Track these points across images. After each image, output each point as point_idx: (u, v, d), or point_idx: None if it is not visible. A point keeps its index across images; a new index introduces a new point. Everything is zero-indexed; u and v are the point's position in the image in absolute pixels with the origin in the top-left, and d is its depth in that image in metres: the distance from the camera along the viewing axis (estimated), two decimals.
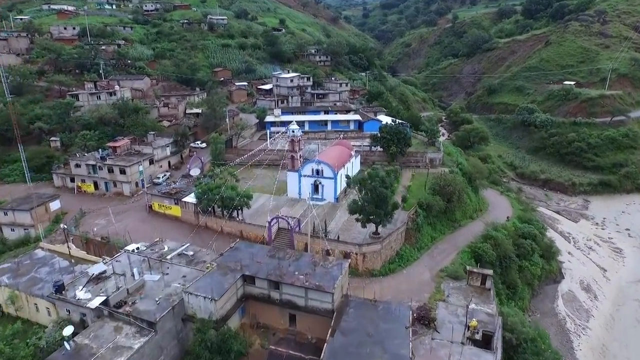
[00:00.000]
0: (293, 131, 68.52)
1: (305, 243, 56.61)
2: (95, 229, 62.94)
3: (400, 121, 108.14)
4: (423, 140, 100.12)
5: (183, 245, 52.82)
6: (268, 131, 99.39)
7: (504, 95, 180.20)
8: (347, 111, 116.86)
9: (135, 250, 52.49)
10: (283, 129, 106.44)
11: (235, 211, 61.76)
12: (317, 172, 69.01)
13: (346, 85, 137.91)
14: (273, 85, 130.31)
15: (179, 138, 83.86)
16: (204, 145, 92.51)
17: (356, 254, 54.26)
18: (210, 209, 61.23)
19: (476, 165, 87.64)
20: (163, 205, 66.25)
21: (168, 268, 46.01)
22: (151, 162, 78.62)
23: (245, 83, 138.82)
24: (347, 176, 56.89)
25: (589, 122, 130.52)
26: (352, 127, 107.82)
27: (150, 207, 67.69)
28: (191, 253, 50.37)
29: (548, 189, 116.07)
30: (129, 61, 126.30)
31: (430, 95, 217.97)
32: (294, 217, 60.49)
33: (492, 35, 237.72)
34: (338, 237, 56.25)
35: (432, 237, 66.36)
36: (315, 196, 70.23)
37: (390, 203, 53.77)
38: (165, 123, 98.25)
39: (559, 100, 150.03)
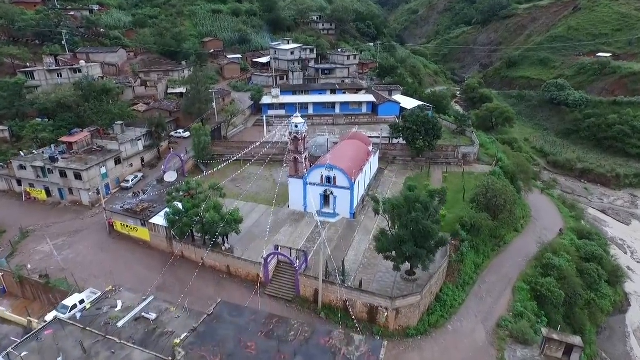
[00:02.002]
0: (296, 126, 51.15)
1: (315, 290, 40.61)
2: (36, 259, 46.75)
3: (421, 103, 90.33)
4: (449, 128, 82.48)
5: (145, 300, 36.70)
6: (265, 117, 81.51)
7: (526, 69, 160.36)
8: (358, 90, 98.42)
9: (78, 306, 36.61)
10: (282, 112, 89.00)
11: (221, 237, 45.39)
12: (328, 179, 52.18)
13: (354, 58, 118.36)
14: (271, 59, 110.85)
15: (154, 129, 66.20)
16: (187, 134, 74.93)
17: (386, 308, 38.30)
18: (186, 236, 44.90)
19: (520, 162, 70.55)
20: (127, 226, 49.73)
21: (113, 353, 30.06)
22: (118, 161, 61.41)
23: (239, 56, 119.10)
24: (374, 197, 40.21)
25: (633, 101, 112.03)
26: (364, 110, 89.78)
27: (112, 225, 51.15)
28: (154, 316, 34.18)
29: (587, 181, 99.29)
30: (102, 30, 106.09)
31: (441, 68, 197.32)
32: (299, 250, 44.09)
33: (510, 1, 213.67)
34: (360, 284, 40.04)
35: (475, 264, 50.28)
36: (325, 210, 53.67)
37: (436, 239, 37.37)
38: (142, 107, 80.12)
39: (593, 75, 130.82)
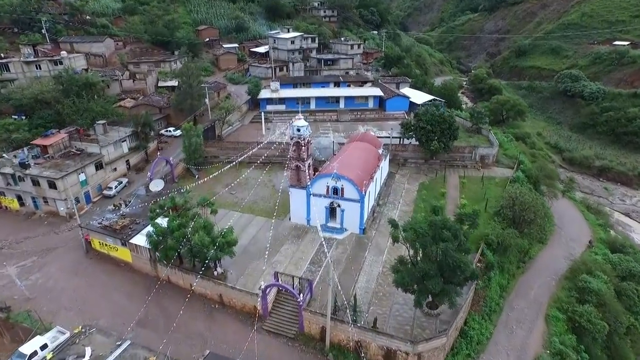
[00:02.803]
0: (298, 129, 44.34)
1: (322, 327, 34.38)
2: None
3: (432, 98, 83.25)
4: (464, 126, 75.57)
5: (119, 346, 30.57)
6: (263, 113, 74.48)
7: (536, 58, 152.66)
8: (363, 82, 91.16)
9: (38, 353, 30.44)
10: (282, 107, 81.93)
11: (212, 261, 38.95)
12: (335, 191, 45.60)
13: (359, 47, 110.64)
14: (269, 48, 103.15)
15: (139, 129, 59.20)
16: (178, 133, 67.99)
17: (407, 353, 32.09)
18: (172, 260, 38.48)
19: (543, 165, 63.85)
20: (106, 245, 43.27)
21: None
22: (99, 166, 54.67)
23: (236, 45, 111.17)
24: (392, 221, 33.62)
25: None
26: (371, 104, 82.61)
27: (90, 242, 44.69)
28: None
29: (606, 180, 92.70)
30: (88, 17, 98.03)
31: (447, 57, 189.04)
32: (303, 279, 37.65)
33: None
34: (375, 322, 33.74)
35: (500, 286, 43.98)
36: (331, 225, 47.24)
37: (467, 273, 30.93)
38: (129, 102, 73.00)
39: (609, 65, 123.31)
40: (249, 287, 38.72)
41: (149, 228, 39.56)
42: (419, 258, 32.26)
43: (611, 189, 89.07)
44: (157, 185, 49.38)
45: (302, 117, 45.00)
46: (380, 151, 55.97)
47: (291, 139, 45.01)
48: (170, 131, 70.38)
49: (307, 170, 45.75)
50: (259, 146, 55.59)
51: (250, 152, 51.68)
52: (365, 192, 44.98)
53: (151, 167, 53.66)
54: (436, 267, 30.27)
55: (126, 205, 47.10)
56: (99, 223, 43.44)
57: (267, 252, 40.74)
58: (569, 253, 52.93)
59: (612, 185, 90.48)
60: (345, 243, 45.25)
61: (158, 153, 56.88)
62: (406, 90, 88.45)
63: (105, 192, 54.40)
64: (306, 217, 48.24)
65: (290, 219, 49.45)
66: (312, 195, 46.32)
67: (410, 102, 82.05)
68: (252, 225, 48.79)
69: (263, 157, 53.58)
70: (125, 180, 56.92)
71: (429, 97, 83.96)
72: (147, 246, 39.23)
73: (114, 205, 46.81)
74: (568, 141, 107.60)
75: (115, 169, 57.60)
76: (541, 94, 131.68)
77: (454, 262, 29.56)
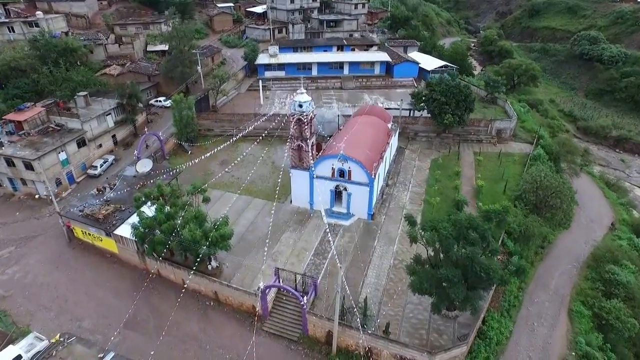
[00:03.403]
0: (300, 105, 39.00)
1: (328, 331, 30.84)
2: None
3: (443, 63, 76.74)
4: (478, 94, 69.63)
5: (102, 358, 27.04)
6: (261, 82, 68.39)
7: (551, 18, 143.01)
8: (368, 46, 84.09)
9: None
10: (281, 74, 75.57)
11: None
12: (341, 173, 40.96)
13: (363, 7, 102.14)
14: (267, 8, 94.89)
15: (125, 101, 53.57)
16: (169, 103, 62.27)
17: None
18: (161, 255, 34.40)
19: (565, 141, 58.58)
20: (90, 234, 39.11)
21: None
22: (82, 142, 49.66)
23: (231, 4, 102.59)
24: (409, 218, 29.08)
25: None
26: (377, 71, 76.25)
27: (72, 230, 40.52)
28: None
29: (623, 151, 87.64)
30: None
31: (454, 16, 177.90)
32: (307, 276, 33.68)
33: None
34: (387, 327, 30.13)
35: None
36: (336, 210, 42.96)
37: (496, 278, 26.84)
38: (115, 69, 66.73)
39: (632, 25, 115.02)
40: (247, 283, 35.02)
41: (135, 217, 35.29)
42: (439, 258, 28.09)
43: (628, 161, 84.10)
44: (144, 166, 44.58)
45: (305, 90, 39.47)
46: (389, 125, 50.86)
47: (292, 115, 39.75)
48: (160, 101, 64.67)
49: (310, 150, 40.85)
50: (259, 120, 50.24)
51: (250, 127, 46.39)
52: (375, 176, 40.35)
53: (138, 144, 48.62)
54: (460, 273, 26.18)
55: (111, 188, 42.54)
56: (80, 211, 39.02)
57: (267, 244, 36.64)
58: (589, 236, 49.06)
59: (630, 157, 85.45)
60: (352, 230, 41.12)
61: (145, 129, 51.60)
62: (414, 55, 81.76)
63: (89, 171, 49.75)
64: (309, 201, 43.89)
65: (291, 201, 45.12)
66: (315, 178, 41.72)
67: (420, 67, 75.74)
68: (250, 209, 44.54)
69: (261, 130, 48.26)
70: (111, 158, 52.08)
71: (440, 62, 77.43)
72: (133, 238, 35.08)
73: (97, 189, 42.28)
74: (583, 109, 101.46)
75: (100, 146, 52.62)
76: (555, 57, 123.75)
77: (481, 269, 25.43)
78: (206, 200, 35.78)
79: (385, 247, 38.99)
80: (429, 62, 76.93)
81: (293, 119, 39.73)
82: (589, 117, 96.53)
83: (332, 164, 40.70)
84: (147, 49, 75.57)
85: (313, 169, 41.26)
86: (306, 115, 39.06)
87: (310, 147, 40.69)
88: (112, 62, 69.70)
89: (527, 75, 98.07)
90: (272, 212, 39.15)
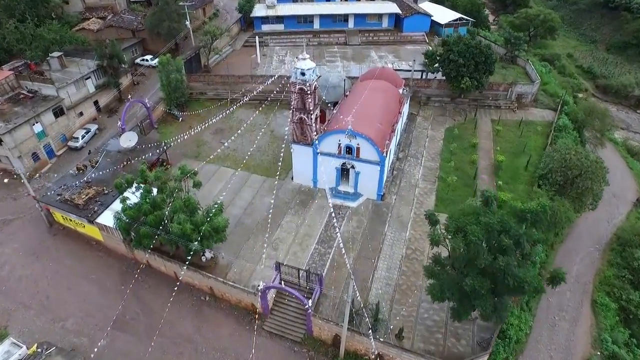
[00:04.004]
0: (303, 73, 33.55)
1: (335, 336, 27.86)
2: None
3: (458, 16, 69.20)
4: (495, 52, 62.84)
5: None
6: (257, 38, 61.48)
7: None
8: None
9: None
10: (280, 27, 68.25)
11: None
12: (349, 150, 36.38)
13: None
14: None
15: (105, 63, 47.56)
16: (156, 62, 55.98)
17: None
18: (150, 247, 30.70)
19: (592, 107, 52.95)
20: (71, 220, 35.22)
21: None
22: (59, 112, 44.45)
23: None
24: (430, 216, 24.88)
25: None
26: (385, 24, 68.86)
27: (52, 214, 36.59)
28: None
29: None
30: None
31: None
32: (311, 272, 30.10)
33: None
34: (401, 332, 27.05)
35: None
36: (342, 189, 38.84)
37: (531, 289, 23.19)
38: (94, 24, 59.62)
39: None
40: (245, 276, 31.73)
41: (119, 203, 31.26)
42: (463, 262, 24.35)
43: None
44: (129, 139, 39.79)
45: (308, 56, 33.81)
46: (401, 91, 45.46)
47: (293, 84, 34.41)
48: (147, 60, 58.30)
49: (313, 124, 35.95)
50: (257, 88, 44.79)
51: (248, 96, 41.10)
52: (386, 153, 35.81)
53: (122, 113, 43.42)
54: (489, 283, 22.55)
55: (92, 167, 38.07)
56: (58, 194, 34.82)
57: (267, 232, 32.97)
58: (612, 214, 45.42)
59: None
60: (359, 213, 37.26)
61: (129, 96, 46.07)
62: (425, 5, 73.77)
63: (70, 143, 45.01)
64: (312, 179, 39.64)
65: (292, 178, 40.88)
66: (319, 155, 37.20)
67: (432, 21, 68.35)
68: (247, 187, 40.39)
69: (260, 95, 42.91)
70: (94, 128, 47.13)
71: (454, 14, 69.76)
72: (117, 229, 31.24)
73: (77, 168, 37.75)
74: (603, 64, 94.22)
75: (81, 114, 47.46)
76: (576, 5, 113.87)
77: (515, 281, 21.76)
78: (197, 185, 31.49)
79: (397, 234, 35.31)
80: (443, 15, 69.33)
81: (294, 88, 34.46)
82: (610, 74, 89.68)
83: (339, 140, 36.00)
84: None
85: (317, 144, 36.62)
86: (309, 84, 33.75)
87: (313, 120, 35.76)
88: (91, 14, 62.34)
89: (545, 27, 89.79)
90: (274, 193, 35.05)
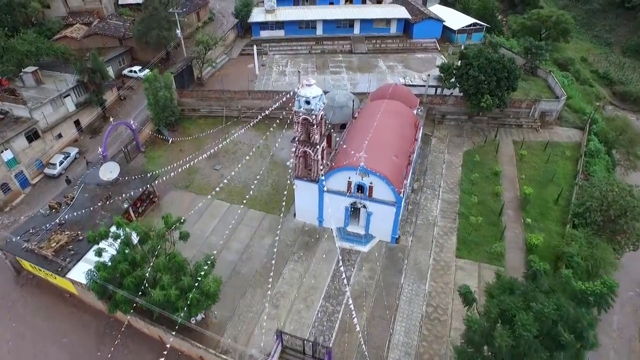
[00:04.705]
0: (308, 102, 28.62)
1: None
2: None
3: (473, 21, 64.07)
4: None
5: None
6: (255, 47, 56.27)
7: None
8: None
9: None
10: (280, 34, 63.04)
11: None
12: (360, 188, 31.62)
13: None
14: None
15: (86, 79, 42.46)
16: (144, 73, 50.83)
17: None
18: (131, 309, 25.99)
19: (624, 126, 48.07)
20: (41, 269, 30.44)
21: None
22: (34, 135, 39.51)
23: None
24: (466, 292, 20.33)
25: None
26: (394, 29, 63.69)
27: (20, 262, 31.75)
28: None
29: None
30: None
31: None
32: (320, 345, 25.40)
33: None
34: None
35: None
36: (352, 230, 34.09)
37: None
38: (78, 31, 54.38)
39: None
40: (241, 340, 27.13)
41: (93, 255, 26.49)
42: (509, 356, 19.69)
43: None
44: (110, 171, 34.88)
45: (314, 81, 28.85)
46: (415, 112, 40.60)
47: (296, 113, 29.52)
48: (135, 72, 53.15)
49: (319, 159, 31.13)
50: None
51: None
52: (403, 193, 31.04)
53: (104, 139, 38.43)
54: None
55: (68, 203, 33.21)
56: (25, 240, 29.95)
57: (268, 285, 28.29)
58: None
59: None
60: (372, 259, 32.56)
61: (111, 119, 40.96)
62: (435, 9, 68.49)
63: (46, 170, 40.12)
64: (317, 217, 34.90)
65: (295, 215, 36.12)
66: (326, 193, 32.42)
67: (443, 26, 63.22)
68: (243, 225, 35.61)
69: (256, 111, 37.95)
70: (74, 152, 42.18)
71: (468, 19, 64.56)
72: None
73: (49, 206, 32.91)
74: (620, 69, 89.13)
75: (60, 136, 42.49)
76: (588, 4, 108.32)
77: None
78: (184, 237, 26.70)
79: (415, 286, 30.64)
80: (455, 20, 64.15)
81: (298, 118, 29.59)
82: (628, 80, 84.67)
83: (349, 177, 31.20)
84: (119, 3, 62.32)
85: (323, 181, 31.81)
86: (315, 114, 28.85)
87: (319, 154, 30.91)
88: (75, 20, 57.08)
89: (557, 29, 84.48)
90: (276, 234, 30.28)
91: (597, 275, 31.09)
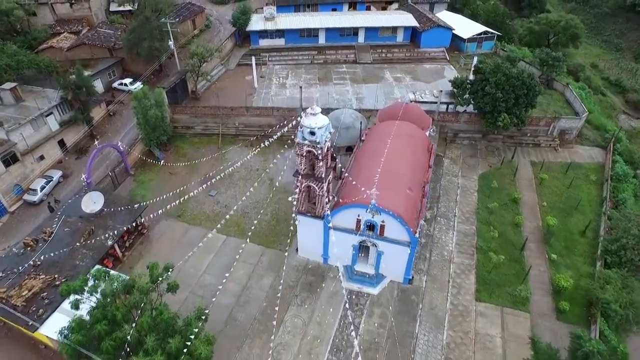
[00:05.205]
0: (312, 133, 25.18)
1: None
2: None
3: (483, 29, 60.63)
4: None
5: None
6: (254, 58, 52.78)
7: None
8: (387, 3, 66.97)
9: None
10: (281, 42, 59.50)
11: None
12: (371, 226, 28.24)
13: None
14: None
15: (70, 96, 38.98)
16: (135, 86, 47.34)
17: None
18: None
19: None
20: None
21: None
22: (11, 159, 36.07)
23: None
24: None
25: None
26: (400, 38, 60.18)
27: None
28: None
29: None
30: None
31: None
32: None
33: None
34: None
35: None
36: (360, 270, 30.69)
37: None
38: (65, 41, 50.87)
39: None
40: None
41: (68, 307, 23.17)
42: None
43: None
44: (93, 202, 31.46)
45: (319, 110, 25.41)
46: (428, 133, 37.23)
47: (298, 145, 26.09)
48: (126, 84, 49.62)
49: (325, 194, 27.72)
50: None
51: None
52: (419, 233, 27.67)
53: (88, 164, 34.95)
54: None
55: (45, 240, 29.80)
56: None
57: (272, 342, 24.93)
58: None
59: None
60: (383, 303, 29.17)
61: (96, 142, 37.53)
62: (443, 16, 64.94)
63: (26, 197, 36.66)
64: (322, 254, 31.53)
65: (297, 251, 32.75)
66: (332, 230, 29.00)
67: (453, 34, 59.75)
68: (241, 263, 32.09)
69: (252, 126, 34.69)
70: (57, 175, 38.69)
71: (479, 27, 61.03)
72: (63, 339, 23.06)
73: (24, 244, 29.50)
74: (632, 76, 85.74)
75: (42, 158, 39.00)
76: (598, 9, 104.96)
77: None
78: (173, 289, 23.34)
79: (432, 336, 27.29)
80: (464, 28, 60.63)
81: (301, 150, 26.17)
82: None
83: (358, 215, 27.85)
84: (110, 9, 58.76)
85: (329, 217, 28.40)
86: (321, 147, 25.43)
87: (325, 189, 27.50)
88: (63, 28, 53.55)
89: (566, 34, 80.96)
90: (281, 277, 26.90)
91: (637, 316, 27.87)
